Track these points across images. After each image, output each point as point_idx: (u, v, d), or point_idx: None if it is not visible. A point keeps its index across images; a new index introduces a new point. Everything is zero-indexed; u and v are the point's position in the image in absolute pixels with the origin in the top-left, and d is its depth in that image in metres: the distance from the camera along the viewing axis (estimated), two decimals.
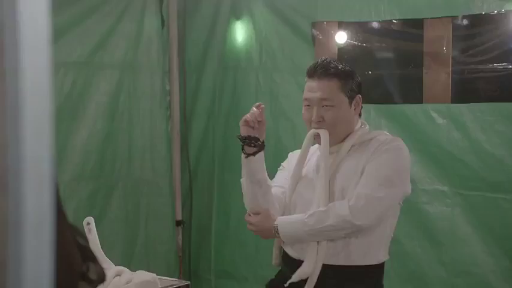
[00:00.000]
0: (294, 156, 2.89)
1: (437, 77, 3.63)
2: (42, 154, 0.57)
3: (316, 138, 2.70)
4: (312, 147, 2.81)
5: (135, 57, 4.38)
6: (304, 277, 2.61)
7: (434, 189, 3.60)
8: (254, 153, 2.68)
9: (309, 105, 2.69)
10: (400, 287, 3.60)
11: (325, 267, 2.59)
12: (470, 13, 3.54)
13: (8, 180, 0.56)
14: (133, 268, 3.13)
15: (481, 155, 3.47)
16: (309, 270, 2.59)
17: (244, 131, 2.67)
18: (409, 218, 3.51)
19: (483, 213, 3.49)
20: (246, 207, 2.82)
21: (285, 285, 2.65)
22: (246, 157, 2.69)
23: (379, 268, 2.70)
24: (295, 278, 2.62)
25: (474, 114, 3.49)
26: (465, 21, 3.61)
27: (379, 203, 2.57)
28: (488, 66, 3.50)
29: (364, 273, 2.65)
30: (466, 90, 3.66)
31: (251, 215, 2.78)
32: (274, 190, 2.79)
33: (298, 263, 2.64)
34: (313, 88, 2.67)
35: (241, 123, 2.68)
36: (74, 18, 4.04)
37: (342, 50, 3.94)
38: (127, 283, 2.78)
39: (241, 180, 2.81)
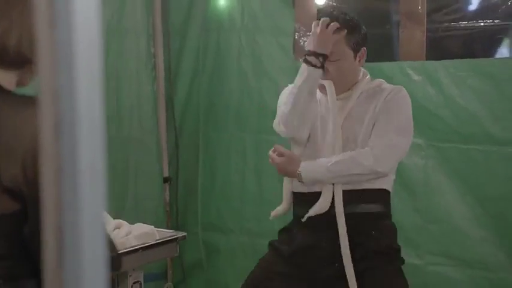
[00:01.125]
0: None
1: (413, 35, 3.64)
2: (94, 104, 0.59)
3: (321, 89, 2.72)
4: None
5: (120, 20, 4.32)
6: (321, 211, 2.65)
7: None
8: (320, 67, 2.62)
9: None
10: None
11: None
12: None
13: (63, 129, 0.58)
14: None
15: (455, 109, 3.50)
16: (326, 205, 2.64)
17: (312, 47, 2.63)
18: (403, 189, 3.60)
19: (456, 164, 3.53)
20: (291, 126, 2.74)
21: (302, 219, 2.68)
22: (312, 67, 2.61)
23: (386, 194, 2.78)
24: (312, 212, 2.66)
25: (448, 71, 3.50)
26: None
27: (398, 150, 2.69)
28: (460, 25, 3.53)
29: (373, 196, 2.73)
30: (440, 48, 3.68)
31: (275, 153, 2.75)
32: None
33: (313, 196, 2.68)
34: None
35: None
36: None
37: (321, 10, 3.92)
38: (126, 235, 2.83)
39: (290, 89, 2.74)
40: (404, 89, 2.79)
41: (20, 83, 1.55)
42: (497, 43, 3.47)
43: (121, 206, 4.31)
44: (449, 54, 3.62)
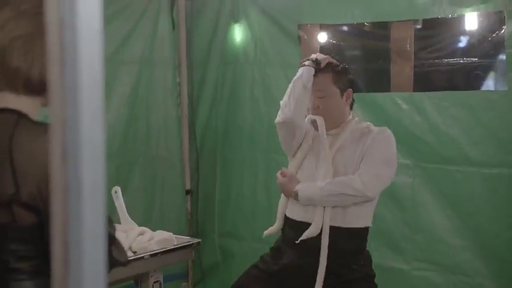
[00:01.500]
0: None
1: (402, 70, 3.64)
2: (96, 132, 0.61)
3: (313, 123, 2.73)
4: None
5: (151, 54, 4.35)
6: (311, 235, 2.65)
7: (399, 163, 3.59)
8: (313, 67, 2.70)
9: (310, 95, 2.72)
10: (373, 241, 3.67)
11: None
12: (429, 17, 3.54)
13: (68, 154, 0.61)
14: (151, 229, 3.17)
15: (438, 134, 3.48)
16: (316, 230, 2.63)
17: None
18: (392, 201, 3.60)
19: (439, 182, 3.52)
20: (287, 110, 2.76)
21: (296, 241, 2.68)
22: (307, 67, 2.69)
23: (366, 231, 2.78)
24: (304, 236, 2.65)
25: (432, 101, 3.49)
26: (424, 24, 3.62)
27: (384, 179, 2.68)
28: (443, 61, 3.52)
29: (356, 234, 2.72)
30: (425, 81, 3.67)
31: (282, 174, 2.77)
32: None
33: (303, 225, 2.68)
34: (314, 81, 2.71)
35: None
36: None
37: (322, 47, 3.95)
38: (149, 240, 2.84)
39: (291, 86, 2.78)
40: (388, 129, 2.79)
41: (45, 104, 1.52)
42: (475, 78, 3.46)
43: (148, 215, 4.32)
44: (434, 86, 3.61)
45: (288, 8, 4.06)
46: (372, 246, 2.94)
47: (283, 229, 2.85)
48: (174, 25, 4.48)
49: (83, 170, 0.61)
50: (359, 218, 2.71)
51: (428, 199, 3.55)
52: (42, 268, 1.46)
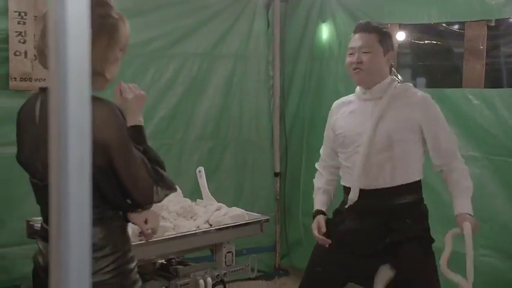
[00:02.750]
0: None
1: (474, 67, 3.60)
2: (83, 117, 0.69)
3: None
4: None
5: (246, 50, 4.52)
6: (352, 202, 2.67)
7: (469, 155, 3.55)
8: None
9: (351, 53, 2.66)
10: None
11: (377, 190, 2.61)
12: (501, 17, 3.49)
13: (61, 136, 0.69)
14: (241, 206, 3.28)
15: (505, 128, 3.44)
16: (354, 196, 2.64)
17: None
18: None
19: (506, 173, 3.47)
20: None
21: (345, 206, 2.72)
22: None
23: (418, 184, 2.71)
24: (349, 202, 2.69)
25: (501, 97, 3.45)
26: (497, 24, 3.55)
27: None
28: None
29: (408, 189, 2.65)
30: (495, 78, 3.63)
31: None
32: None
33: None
34: (355, 39, 2.67)
35: None
36: (201, 21, 4.24)
37: (401, 45, 3.97)
38: (223, 215, 2.97)
39: None
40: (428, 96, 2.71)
41: (95, 89, 1.67)
42: None
43: (239, 194, 4.51)
44: (503, 83, 3.54)
45: (370, 8, 4.12)
46: (440, 232, 2.91)
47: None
48: (268, 24, 4.65)
49: (70, 148, 0.68)
50: (410, 174, 2.64)
51: (494, 190, 3.52)
52: (104, 214, 1.67)
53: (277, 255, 4.89)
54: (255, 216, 3.12)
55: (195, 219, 2.91)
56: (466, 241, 2.57)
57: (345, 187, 2.79)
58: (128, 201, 1.73)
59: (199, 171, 3.14)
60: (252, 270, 3.07)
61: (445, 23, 3.81)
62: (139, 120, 1.82)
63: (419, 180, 2.72)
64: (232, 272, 2.98)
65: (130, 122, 1.77)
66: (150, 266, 2.79)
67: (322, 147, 3.03)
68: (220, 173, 4.29)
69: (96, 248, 1.64)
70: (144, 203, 1.75)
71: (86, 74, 0.71)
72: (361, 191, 2.65)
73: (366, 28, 2.66)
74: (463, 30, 3.63)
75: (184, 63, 4.20)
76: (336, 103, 2.95)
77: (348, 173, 2.73)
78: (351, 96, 2.86)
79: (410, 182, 2.65)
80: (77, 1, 0.69)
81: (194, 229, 2.82)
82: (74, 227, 0.70)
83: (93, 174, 1.59)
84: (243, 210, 3.07)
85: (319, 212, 2.85)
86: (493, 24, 3.56)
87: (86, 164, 0.72)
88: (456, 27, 3.77)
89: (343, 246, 2.69)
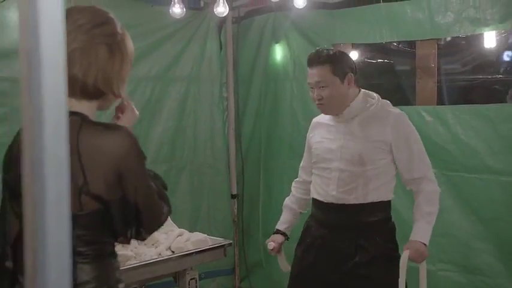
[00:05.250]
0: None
1: (426, 85, 3.64)
2: (60, 151, 0.64)
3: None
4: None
5: (199, 72, 4.46)
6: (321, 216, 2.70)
7: None
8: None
9: (312, 88, 2.65)
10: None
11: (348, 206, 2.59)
12: (450, 36, 3.55)
13: (36, 171, 0.63)
14: (198, 230, 3.24)
15: (460, 145, 3.47)
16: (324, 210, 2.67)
17: None
18: (406, 193, 3.53)
19: (462, 189, 3.50)
20: None
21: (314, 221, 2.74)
22: None
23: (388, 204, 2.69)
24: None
25: (454, 114, 3.49)
26: (447, 43, 3.61)
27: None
28: (464, 77, 3.51)
29: (378, 207, 2.63)
30: (448, 95, 3.66)
31: None
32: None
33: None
34: (311, 75, 2.64)
35: None
36: (153, 44, 4.17)
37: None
38: (186, 241, 2.89)
39: None
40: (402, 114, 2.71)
41: (100, 108, 1.62)
42: (494, 92, 3.44)
43: (196, 217, 4.43)
44: (456, 100, 3.60)
45: (323, 29, 4.12)
46: (400, 248, 2.90)
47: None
48: (221, 46, 4.60)
49: (47, 181, 0.63)
50: (381, 193, 2.63)
51: (452, 205, 3.53)
52: (101, 251, 1.56)
53: (237, 277, 4.82)
54: (218, 240, 3.07)
55: (156, 247, 2.81)
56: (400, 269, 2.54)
57: (314, 200, 2.77)
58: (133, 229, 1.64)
59: None
60: None
61: (396, 42, 3.85)
62: None
63: (390, 200, 2.70)
64: None
65: None
66: None
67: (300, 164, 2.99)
68: (176, 196, 4.19)
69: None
70: (156, 228, 1.67)
71: (62, 106, 0.66)
72: (332, 205, 2.64)
73: (318, 60, 2.62)
74: (415, 49, 3.67)
75: (137, 87, 4.11)
76: (314, 120, 2.94)
77: (319, 187, 2.71)
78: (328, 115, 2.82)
79: (381, 200, 2.63)
80: (51, 27, 0.64)
81: (156, 257, 2.73)
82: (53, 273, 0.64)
83: (109, 207, 1.48)
84: (206, 235, 3.01)
85: (276, 231, 2.92)
86: (442, 42, 3.63)
87: (64, 201, 0.66)
88: (407, 46, 3.80)
89: (315, 263, 2.69)
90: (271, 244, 2.86)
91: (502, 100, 3.48)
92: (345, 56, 2.71)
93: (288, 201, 3.01)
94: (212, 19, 4.44)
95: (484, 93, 3.51)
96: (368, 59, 4.01)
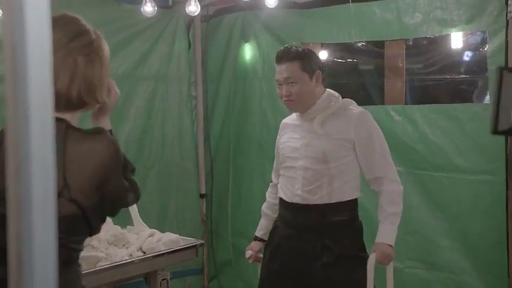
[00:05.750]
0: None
1: (395, 84, 3.67)
2: (46, 152, 0.62)
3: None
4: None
5: (168, 70, 4.42)
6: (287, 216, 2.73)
7: None
8: None
9: (280, 85, 2.66)
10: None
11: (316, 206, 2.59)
12: (418, 36, 3.59)
13: (21, 171, 0.62)
14: (166, 230, 3.21)
15: (427, 143, 3.51)
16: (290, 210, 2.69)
17: None
18: (373, 191, 3.59)
19: (429, 187, 3.54)
20: None
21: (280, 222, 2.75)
22: None
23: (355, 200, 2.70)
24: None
25: (422, 113, 3.53)
26: (415, 43, 3.65)
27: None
28: (432, 77, 3.55)
29: (344, 207, 2.64)
30: (416, 95, 3.70)
31: None
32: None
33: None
34: (280, 71, 2.65)
35: None
36: (120, 42, 4.10)
37: (324, 64, 3.97)
38: (157, 242, 2.86)
39: None
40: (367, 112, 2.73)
41: (82, 112, 1.62)
42: (460, 92, 3.49)
43: (164, 217, 4.39)
44: (424, 100, 3.64)
45: (293, 28, 4.12)
46: (369, 247, 2.93)
47: None
48: (189, 45, 4.56)
49: (33, 182, 0.61)
50: (346, 192, 2.64)
51: (419, 203, 3.57)
52: (68, 258, 1.55)
53: (206, 277, 4.79)
54: (189, 240, 3.05)
55: (127, 247, 2.76)
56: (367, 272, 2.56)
57: (281, 199, 2.77)
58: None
59: None
60: None
61: (365, 42, 3.88)
62: (109, 124, 1.74)
63: (356, 199, 2.71)
64: None
65: (107, 126, 1.69)
66: None
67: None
68: (143, 196, 4.11)
69: None
70: (114, 215, 1.68)
71: (48, 104, 0.64)
72: (298, 205, 2.64)
73: (287, 57, 2.62)
74: (383, 49, 3.70)
75: None
76: (282, 122, 2.94)
77: (285, 187, 2.71)
78: (295, 115, 2.83)
79: (347, 199, 2.63)
80: (37, 24, 0.62)
81: (127, 258, 2.68)
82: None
83: (85, 213, 1.47)
84: (177, 235, 2.98)
85: (255, 238, 2.94)
86: (410, 43, 3.67)
87: (50, 202, 0.64)
88: (376, 46, 3.83)
89: (282, 264, 2.69)
90: (248, 252, 2.87)
91: (469, 100, 3.53)
92: (313, 54, 2.72)
93: (263, 207, 3.02)
94: (181, 17, 4.40)
95: (452, 93, 3.56)
96: (337, 58, 4.03)
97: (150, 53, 4.31)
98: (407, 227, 3.61)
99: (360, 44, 3.89)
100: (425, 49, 3.66)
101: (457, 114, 3.40)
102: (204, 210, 4.71)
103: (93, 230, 1.60)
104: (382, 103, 3.75)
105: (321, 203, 2.60)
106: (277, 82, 2.69)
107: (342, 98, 2.77)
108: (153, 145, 4.37)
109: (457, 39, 3.43)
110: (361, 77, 4.09)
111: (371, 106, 3.77)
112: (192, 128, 4.63)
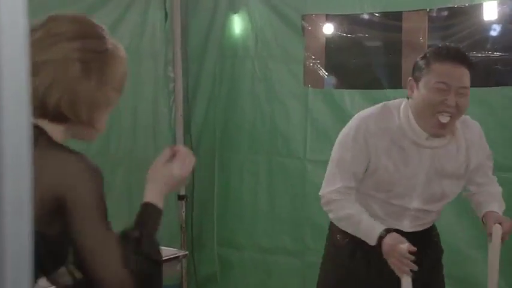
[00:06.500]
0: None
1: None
2: (21, 150, 0.66)
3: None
4: None
5: (139, 46, 4.36)
6: None
7: None
8: None
9: (444, 90, 2.37)
10: None
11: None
12: (444, 6, 3.57)
13: None
14: None
15: None
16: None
17: None
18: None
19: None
20: None
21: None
22: None
23: None
24: None
25: None
26: (439, 14, 3.63)
27: None
28: None
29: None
30: None
31: None
32: None
33: None
34: (452, 73, 2.39)
35: None
36: (83, 10, 4.01)
37: (329, 40, 3.96)
38: None
39: None
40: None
41: (73, 136, 1.60)
42: (494, 73, 3.45)
43: None
44: None
45: None
46: None
47: None
48: (166, 16, 4.50)
49: (6, 188, 0.64)
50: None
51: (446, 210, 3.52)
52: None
53: None
54: (171, 251, 3.04)
55: None
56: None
57: None
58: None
59: None
60: None
61: (379, 13, 3.84)
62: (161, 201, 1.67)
63: None
64: None
65: (153, 199, 1.67)
66: None
67: (333, 167, 2.65)
68: (110, 196, 4.06)
69: None
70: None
71: (25, 102, 0.67)
72: None
73: (468, 61, 2.44)
74: (401, 21, 3.67)
75: None
76: (376, 125, 2.59)
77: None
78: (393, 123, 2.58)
79: None
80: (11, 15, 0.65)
81: None
82: None
83: (39, 240, 1.45)
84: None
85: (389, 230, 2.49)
86: (434, 14, 3.64)
87: (25, 208, 0.68)
88: (392, 18, 3.81)
89: None
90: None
91: (504, 83, 3.50)
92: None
93: (358, 207, 2.68)
94: None
95: (484, 75, 3.53)
96: (345, 33, 3.98)
97: (118, 25, 4.22)
98: None
99: (372, 16, 3.85)
100: (452, 22, 3.63)
101: (489, 99, 3.38)
102: (183, 214, 4.65)
103: (47, 269, 1.54)
104: (399, 86, 3.69)
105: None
106: (440, 85, 2.40)
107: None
108: (121, 136, 4.31)
109: (490, 10, 3.38)
110: (374, 56, 4.05)
111: (386, 90, 3.74)
112: (170, 115, 4.58)
